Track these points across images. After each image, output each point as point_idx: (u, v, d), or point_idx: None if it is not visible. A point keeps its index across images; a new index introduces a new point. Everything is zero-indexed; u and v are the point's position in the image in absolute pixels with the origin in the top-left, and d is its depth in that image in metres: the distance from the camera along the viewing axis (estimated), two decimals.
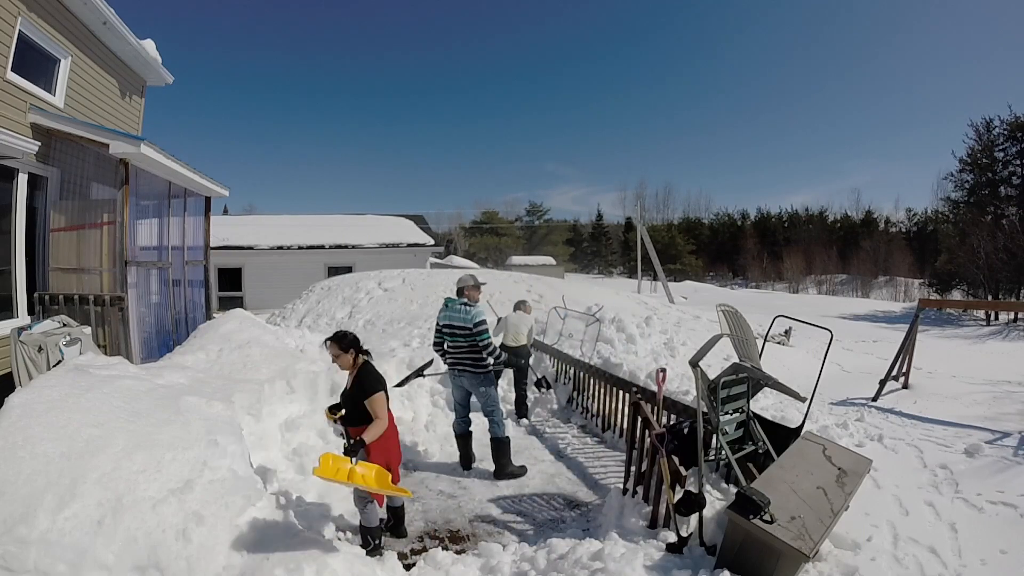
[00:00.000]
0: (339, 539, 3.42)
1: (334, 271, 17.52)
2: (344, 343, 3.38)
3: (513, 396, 6.33)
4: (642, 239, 23.10)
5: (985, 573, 2.82)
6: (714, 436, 3.76)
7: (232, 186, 9.34)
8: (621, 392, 5.48)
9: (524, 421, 6.07)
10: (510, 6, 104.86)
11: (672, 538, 3.06)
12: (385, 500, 3.60)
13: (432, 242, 21.25)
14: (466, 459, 4.81)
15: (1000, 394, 6.02)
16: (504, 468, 4.64)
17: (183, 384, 4.06)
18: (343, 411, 3.46)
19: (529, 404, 6.39)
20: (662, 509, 3.30)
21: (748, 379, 3.99)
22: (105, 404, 3.20)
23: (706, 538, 3.03)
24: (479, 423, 4.86)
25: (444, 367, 5.00)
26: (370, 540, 3.36)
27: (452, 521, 3.96)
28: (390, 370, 6.07)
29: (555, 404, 6.67)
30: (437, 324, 4.77)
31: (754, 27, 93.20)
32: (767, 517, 2.64)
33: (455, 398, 4.83)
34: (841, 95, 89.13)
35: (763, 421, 4.08)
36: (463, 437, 4.80)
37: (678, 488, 3.20)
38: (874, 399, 6.03)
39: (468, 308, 4.54)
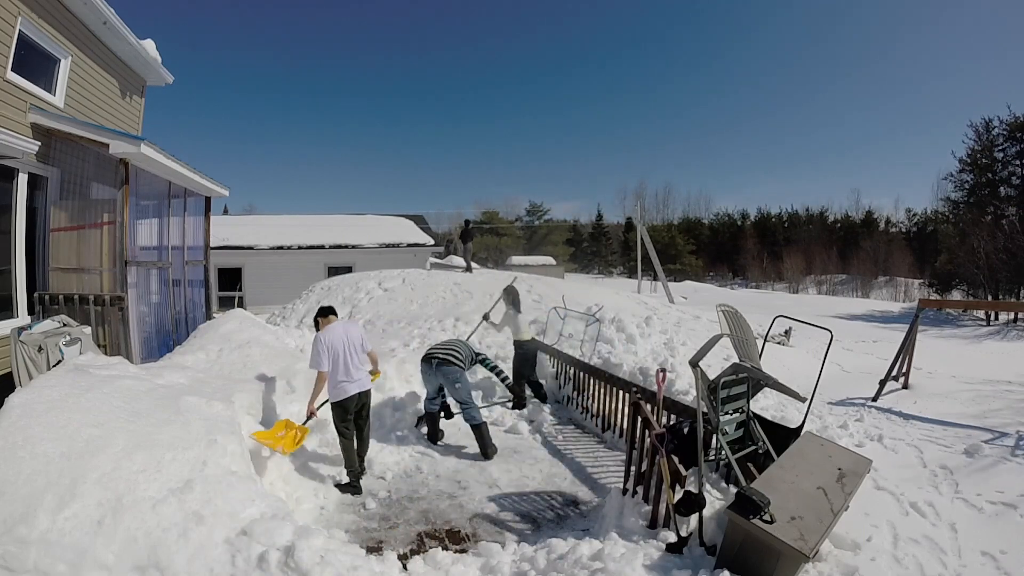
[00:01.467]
0: (337, 538, 3.42)
1: (334, 271, 17.50)
2: None
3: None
4: (642, 239, 23.05)
5: (985, 573, 2.82)
6: (714, 436, 3.76)
7: (232, 186, 9.35)
8: (621, 392, 5.48)
9: (524, 425, 6.01)
10: (510, 8, 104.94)
11: (672, 538, 3.06)
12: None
13: (432, 242, 21.22)
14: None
15: (1000, 394, 6.03)
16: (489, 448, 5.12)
17: (183, 384, 4.06)
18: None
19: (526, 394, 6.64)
20: (662, 509, 3.30)
21: (748, 379, 4.00)
22: (105, 404, 3.20)
23: (706, 538, 3.03)
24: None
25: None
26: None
27: (452, 521, 3.96)
28: (389, 370, 6.07)
29: (554, 403, 6.67)
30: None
31: (754, 28, 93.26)
32: (767, 517, 2.64)
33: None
34: (841, 95, 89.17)
35: (763, 421, 4.08)
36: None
37: (678, 488, 3.20)
38: (874, 399, 6.03)
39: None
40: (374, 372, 4.81)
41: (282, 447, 4.07)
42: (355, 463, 4.39)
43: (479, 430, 5.10)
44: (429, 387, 5.39)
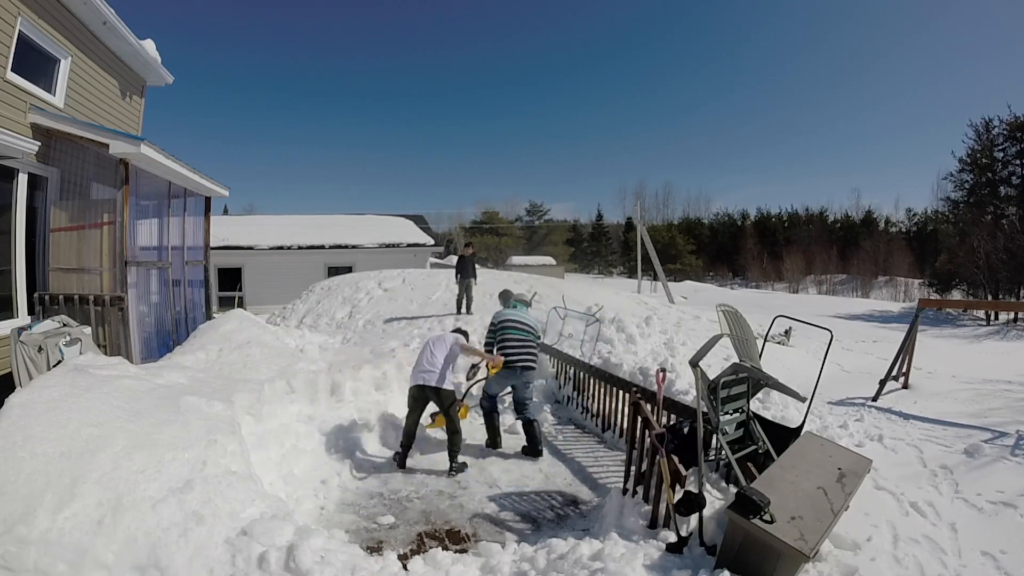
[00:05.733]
0: (337, 538, 3.42)
1: (334, 271, 17.52)
2: None
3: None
4: (642, 239, 23.04)
5: (985, 573, 2.82)
6: (714, 436, 3.76)
7: (232, 186, 9.35)
8: (621, 392, 5.48)
9: None
10: (510, 8, 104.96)
11: (672, 538, 3.06)
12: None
13: (432, 242, 21.23)
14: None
15: (999, 393, 6.02)
16: (538, 447, 5.20)
17: (183, 384, 4.06)
18: None
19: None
20: (662, 509, 3.30)
21: (748, 379, 3.99)
22: (105, 404, 3.20)
23: (706, 538, 3.03)
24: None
25: (483, 372, 5.93)
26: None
27: (452, 521, 3.96)
28: (390, 370, 6.07)
29: (554, 403, 6.67)
30: (496, 323, 5.45)
31: (754, 28, 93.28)
32: (767, 517, 2.64)
33: (513, 388, 5.41)
34: (841, 95, 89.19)
35: (763, 421, 4.08)
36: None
37: (678, 488, 3.20)
38: (874, 399, 6.03)
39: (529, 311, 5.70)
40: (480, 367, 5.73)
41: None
42: (404, 438, 4.91)
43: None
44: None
